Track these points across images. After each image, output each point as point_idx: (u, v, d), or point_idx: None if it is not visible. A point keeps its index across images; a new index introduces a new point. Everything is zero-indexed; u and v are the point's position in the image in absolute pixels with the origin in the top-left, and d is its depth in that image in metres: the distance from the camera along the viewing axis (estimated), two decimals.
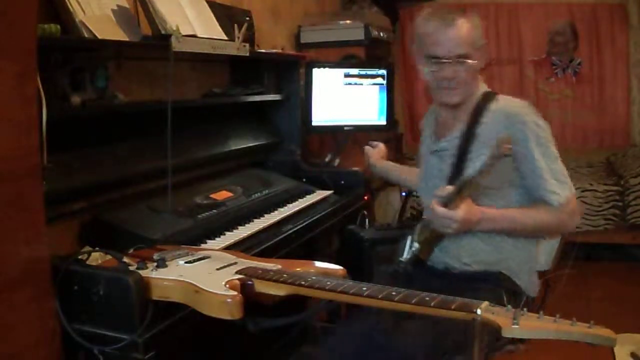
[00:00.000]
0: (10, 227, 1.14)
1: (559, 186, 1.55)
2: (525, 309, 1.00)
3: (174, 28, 1.82)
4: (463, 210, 1.48)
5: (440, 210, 1.49)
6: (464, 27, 1.58)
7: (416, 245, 1.66)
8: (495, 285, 1.58)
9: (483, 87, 1.69)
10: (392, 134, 3.81)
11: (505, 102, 1.64)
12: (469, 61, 1.59)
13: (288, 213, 2.11)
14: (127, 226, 1.65)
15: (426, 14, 1.63)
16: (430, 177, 1.75)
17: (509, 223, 1.57)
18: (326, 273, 1.26)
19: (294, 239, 1.95)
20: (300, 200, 2.30)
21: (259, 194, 2.18)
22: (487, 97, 1.65)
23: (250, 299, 1.16)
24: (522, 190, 1.60)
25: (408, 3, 4.50)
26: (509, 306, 1.01)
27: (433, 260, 1.67)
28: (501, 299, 1.52)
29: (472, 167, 1.58)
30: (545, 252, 1.77)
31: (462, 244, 1.62)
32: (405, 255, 1.70)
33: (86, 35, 1.66)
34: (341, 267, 1.29)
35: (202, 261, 1.34)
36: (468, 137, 1.63)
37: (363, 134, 3.47)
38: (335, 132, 3.09)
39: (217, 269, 1.27)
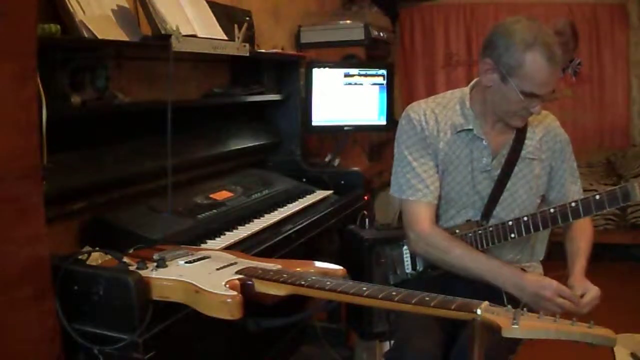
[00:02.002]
0: (10, 227, 1.14)
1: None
2: (525, 309, 1.00)
3: (174, 28, 1.82)
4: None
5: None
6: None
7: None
8: None
9: None
10: (392, 134, 3.80)
11: (540, 116, 1.64)
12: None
13: (288, 213, 2.11)
14: (127, 226, 1.65)
15: (531, 40, 1.50)
16: (473, 193, 1.67)
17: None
18: (326, 273, 1.26)
19: (294, 239, 1.94)
20: (300, 200, 2.29)
21: (259, 194, 2.18)
22: None
23: (250, 299, 1.16)
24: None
25: (408, 3, 4.50)
26: (509, 306, 1.01)
27: None
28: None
29: (517, 184, 1.64)
30: (539, 242, 1.81)
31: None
32: (419, 267, 1.72)
33: (86, 35, 1.66)
34: (341, 267, 1.29)
35: (202, 261, 1.34)
36: (516, 155, 1.64)
37: (363, 134, 3.48)
38: (335, 132, 3.09)
39: (217, 269, 1.27)
